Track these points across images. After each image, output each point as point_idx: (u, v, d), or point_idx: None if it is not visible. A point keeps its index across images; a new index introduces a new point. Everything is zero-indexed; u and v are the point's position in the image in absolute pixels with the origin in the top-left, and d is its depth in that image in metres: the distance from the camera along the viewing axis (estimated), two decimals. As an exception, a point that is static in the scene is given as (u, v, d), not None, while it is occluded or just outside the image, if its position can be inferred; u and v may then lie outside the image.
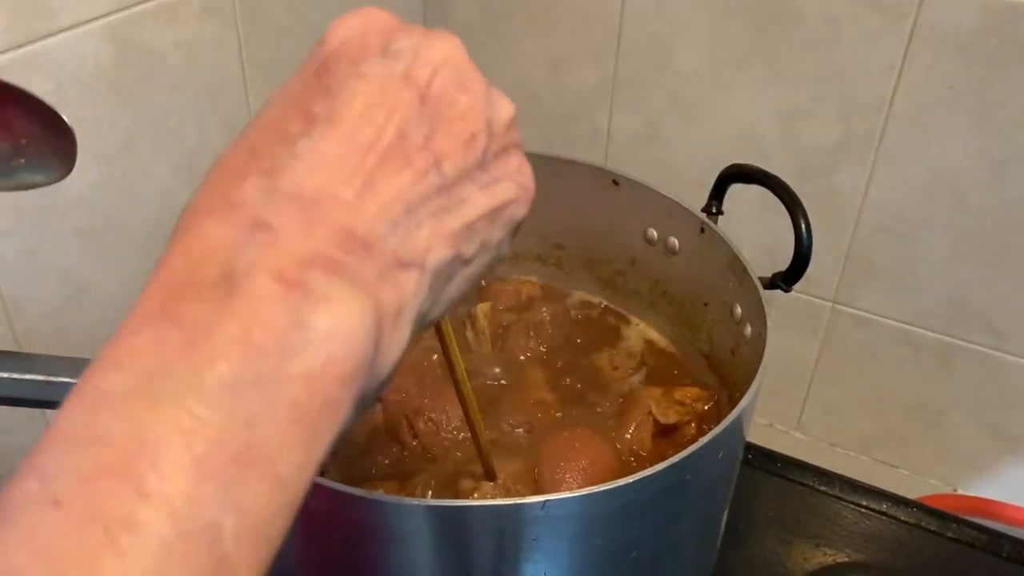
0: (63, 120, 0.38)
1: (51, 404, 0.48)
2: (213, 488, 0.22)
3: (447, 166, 0.29)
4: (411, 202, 0.28)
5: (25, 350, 0.60)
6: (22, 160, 0.38)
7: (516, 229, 0.34)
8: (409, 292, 0.28)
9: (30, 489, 0.22)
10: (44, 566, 0.21)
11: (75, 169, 0.59)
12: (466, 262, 0.31)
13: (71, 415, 0.23)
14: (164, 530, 0.21)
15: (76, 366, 0.48)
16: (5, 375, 0.45)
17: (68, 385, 0.47)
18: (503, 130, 0.32)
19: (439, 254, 0.29)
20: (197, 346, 0.23)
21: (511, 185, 0.32)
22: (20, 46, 0.54)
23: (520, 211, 0.33)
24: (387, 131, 0.28)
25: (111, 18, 0.58)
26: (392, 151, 0.28)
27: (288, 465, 0.24)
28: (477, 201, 0.30)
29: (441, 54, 0.30)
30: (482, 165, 0.31)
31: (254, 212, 0.26)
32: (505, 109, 0.32)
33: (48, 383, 0.46)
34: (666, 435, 0.62)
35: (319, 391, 0.25)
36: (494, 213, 0.31)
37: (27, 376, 0.46)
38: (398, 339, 0.28)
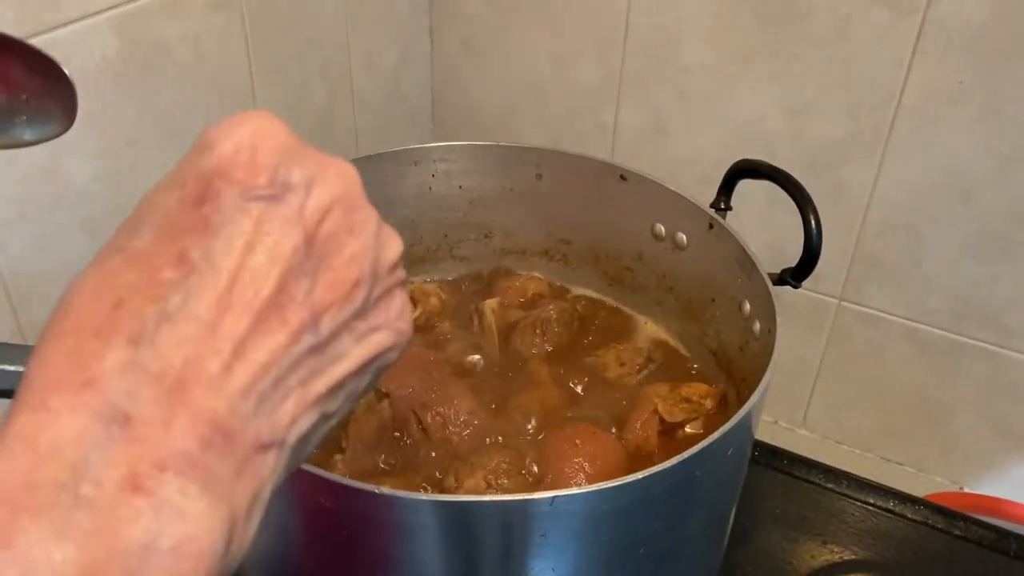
0: (64, 72, 0.38)
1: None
2: None
3: (325, 322, 0.27)
4: (281, 369, 0.26)
5: (30, 343, 0.60)
6: (23, 116, 0.37)
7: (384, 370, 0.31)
8: (267, 475, 0.26)
9: None
10: None
11: (80, 163, 0.59)
12: (328, 417, 0.29)
13: None
14: None
15: (82, 360, 0.48)
16: (11, 368, 0.45)
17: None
18: (387, 272, 0.29)
19: (302, 425, 0.27)
20: None
21: (389, 333, 0.30)
22: (26, 38, 0.53)
23: (393, 356, 0.31)
24: (266, 286, 0.25)
25: (117, 11, 0.58)
26: (268, 309, 0.25)
27: None
28: (351, 356, 0.28)
29: (335, 190, 0.27)
30: (361, 314, 0.29)
31: (112, 398, 0.23)
32: (393, 248, 0.30)
33: (54, 376, 0.46)
34: (672, 433, 0.62)
35: None
36: (367, 365, 0.29)
37: (33, 369, 0.45)
38: (251, 527, 0.26)
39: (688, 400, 0.62)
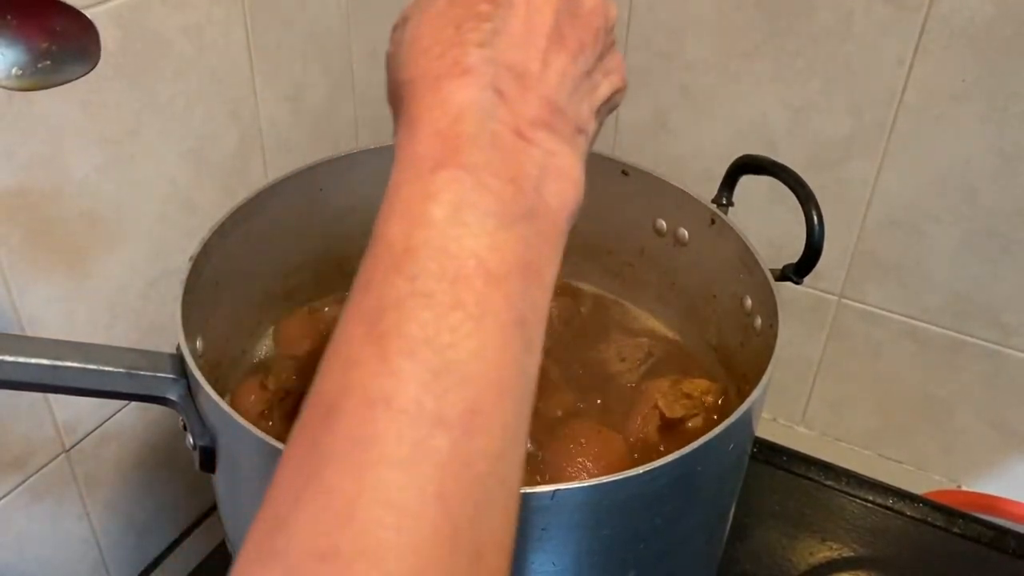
0: (85, 17, 0.41)
1: (57, 389, 0.47)
2: (520, 291, 0.30)
3: (587, 54, 0.35)
4: (574, 79, 0.34)
5: (30, 335, 0.59)
6: (48, 61, 0.41)
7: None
8: (583, 153, 0.35)
9: (401, 287, 0.28)
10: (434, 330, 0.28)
11: (81, 154, 0.59)
12: (596, 131, 0.37)
13: (412, 233, 0.29)
14: (504, 317, 0.29)
15: (82, 350, 0.48)
16: (11, 359, 0.45)
17: (75, 370, 0.47)
18: (612, 27, 0.37)
19: (594, 125, 0.36)
20: (485, 187, 0.30)
21: (617, 76, 0.38)
22: (27, 28, 0.53)
23: (619, 100, 0.39)
24: (548, 18, 0.33)
25: (118, 2, 0.58)
26: (554, 36, 0.34)
27: (550, 275, 0.32)
28: (603, 86, 0.37)
29: None
30: (602, 57, 0.36)
31: (486, 79, 0.31)
32: (613, 11, 0.37)
33: (54, 367, 0.46)
34: (673, 429, 0.61)
35: (559, 224, 0.32)
36: (611, 98, 0.37)
37: (33, 360, 0.45)
38: (583, 187, 0.34)
39: (689, 396, 0.62)
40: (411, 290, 0.28)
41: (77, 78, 0.42)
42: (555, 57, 0.33)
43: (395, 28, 0.37)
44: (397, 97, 0.34)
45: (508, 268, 0.30)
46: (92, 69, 0.42)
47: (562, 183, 0.32)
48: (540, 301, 0.31)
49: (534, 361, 0.31)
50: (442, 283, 0.28)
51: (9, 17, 0.39)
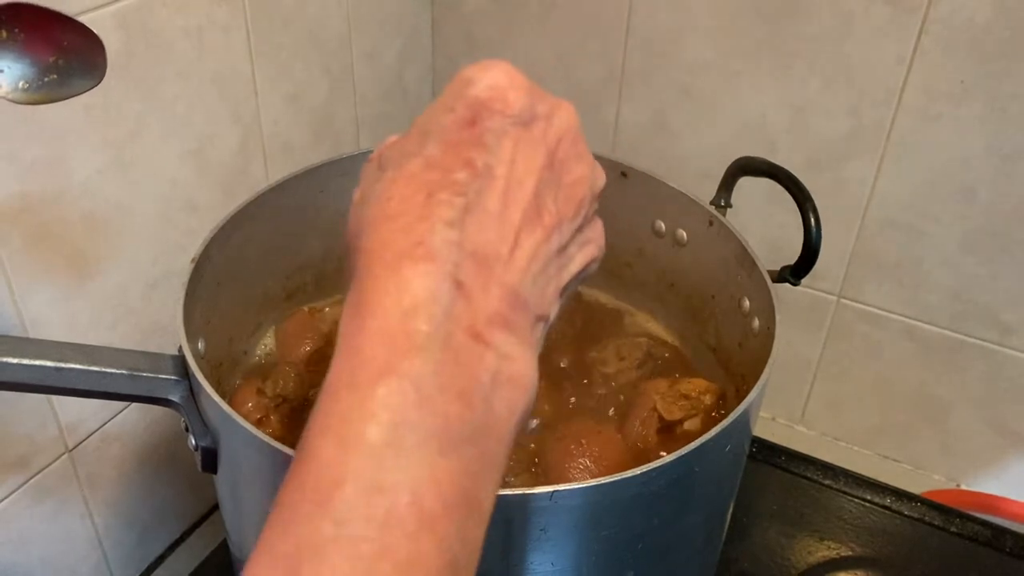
0: (92, 33, 0.42)
1: (59, 390, 0.48)
2: (455, 529, 0.28)
3: (564, 227, 0.33)
4: (544, 259, 0.32)
5: (32, 336, 0.60)
6: (55, 75, 0.41)
7: None
8: (539, 341, 0.33)
9: (325, 531, 0.26)
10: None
11: (82, 156, 0.59)
12: (559, 308, 0.35)
13: (344, 461, 0.27)
14: (434, 565, 0.27)
15: (85, 352, 0.48)
16: (14, 360, 0.45)
17: (77, 371, 0.47)
18: (597, 196, 0.35)
19: (555, 308, 0.34)
20: (429, 405, 0.28)
21: (595, 247, 0.36)
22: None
23: (595, 268, 0.37)
24: (528, 191, 0.32)
25: (120, 4, 0.58)
26: (531, 210, 0.32)
27: (489, 502, 0.30)
28: (577, 260, 0.35)
29: (566, 122, 0.34)
30: (581, 228, 0.35)
31: (446, 268, 0.29)
32: (602, 178, 0.36)
33: (57, 369, 0.46)
34: (671, 430, 0.62)
35: (505, 437, 0.30)
36: (583, 270, 0.35)
37: (36, 362, 0.46)
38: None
39: (687, 397, 0.62)
40: (335, 535, 0.26)
41: (82, 92, 0.42)
42: (528, 236, 0.31)
43: (368, 163, 0.35)
44: (353, 258, 0.31)
45: (445, 503, 0.27)
46: (98, 84, 0.42)
47: (514, 391, 0.30)
48: (476, 534, 0.29)
49: None
50: (370, 527, 0.26)
51: (17, 30, 0.39)
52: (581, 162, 0.34)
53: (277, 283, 0.70)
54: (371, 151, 0.68)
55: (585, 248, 0.35)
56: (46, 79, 0.41)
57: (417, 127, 0.33)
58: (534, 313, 0.32)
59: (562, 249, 0.33)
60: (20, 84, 0.40)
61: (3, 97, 0.40)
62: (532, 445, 0.59)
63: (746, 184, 0.65)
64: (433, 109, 0.33)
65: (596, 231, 0.36)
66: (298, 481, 0.28)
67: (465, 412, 0.28)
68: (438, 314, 0.28)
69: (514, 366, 0.30)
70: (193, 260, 0.56)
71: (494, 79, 0.32)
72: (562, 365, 0.67)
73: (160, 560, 0.78)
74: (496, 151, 0.31)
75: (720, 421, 0.47)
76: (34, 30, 0.40)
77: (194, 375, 0.48)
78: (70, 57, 0.41)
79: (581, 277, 0.36)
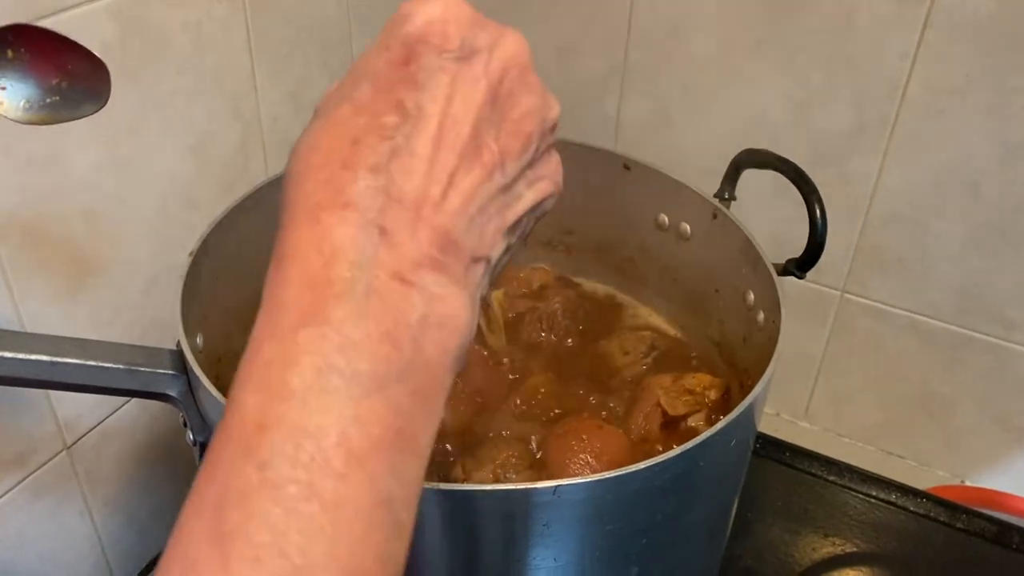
0: (97, 58, 0.42)
1: (56, 385, 0.47)
2: (387, 467, 0.28)
3: (508, 166, 0.32)
4: (482, 200, 0.31)
5: (30, 331, 0.59)
6: (57, 97, 0.42)
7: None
8: (479, 282, 0.32)
9: (250, 476, 0.26)
10: (273, 534, 0.25)
11: (81, 151, 0.59)
12: (508, 249, 0.34)
13: (268, 408, 0.27)
14: (365, 502, 0.27)
15: (81, 346, 0.48)
16: (10, 355, 0.45)
17: (73, 366, 0.46)
18: (550, 130, 0.34)
19: (499, 248, 0.33)
20: (353, 347, 0.27)
21: (549, 182, 0.34)
22: (26, 23, 0.53)
23: (550, 205, 0.36)
24: (465, 129, 0.30)
25: (117, -3, 0.58)
26: (468, 149, 0.30)
27: (426, 438, 0.30)
28: (526, 197, 0.33)
29: (512, 53, 0.32)
30: (531, 163, 0.33)
31: (368, 215, 0.29)
32: (554, 110, 0.34)
33: (53, 363, 0.46)
34: (675, 425, 0.61)
35: (439, 377, 0.30)
36: (535, 207, 0.34)
37: (32, 356, 0.45)
38: (475, 321, 0.32)
39: (691, 392, 0.62)
40: (260, 480, 0.26)
41: (85, 116, 0.43)
42: (464, 176, 0.30)
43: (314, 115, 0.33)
44: (279, 213, 0.31)
45: (374, 441, 0.27)
46: (100, 109, 0.43)
47: (445, 331, 0.29)
48: (413, 471, 0.29)
49: (402, 545, 0.29)
50: (296, 469, 0.26)
51: (23, 51, 0.40)
52: (529, 94, 0.32)
53: (277, 279, 0.69)
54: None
55: (537, 184, 0.34)
56: (48, 100, 0.41)
57: (353, 71, 0.32)
58: (470, 254, 0.31)
59: (506, 188, 0.32)
60: (23, 104, 0.41)
61: (4, 116, 0.41)
62: (534, 439, 0.59)
63: (750, 177, 0.65)
64: (369, 49, 0.32)
65: (550, 167, 0.35)
66: (225, 433, 0.27)
67: (392, 352, 0.28)
68: (360, 260, 0.28)
69: (444, 306, 0.29)
70: (191, 254, 0.56)
71: (431, 12, 0.31)
72: (565, 360, 0.66)
73: (160, 557, 0.77)
74: (430, 89, 0.30)
75: (725, 416, 0.46)
76: (39, 52, 0.40)
77: (192, 370, 0.48)
78: (74, 81, 0.42)
79: (536, 215, 0.35)
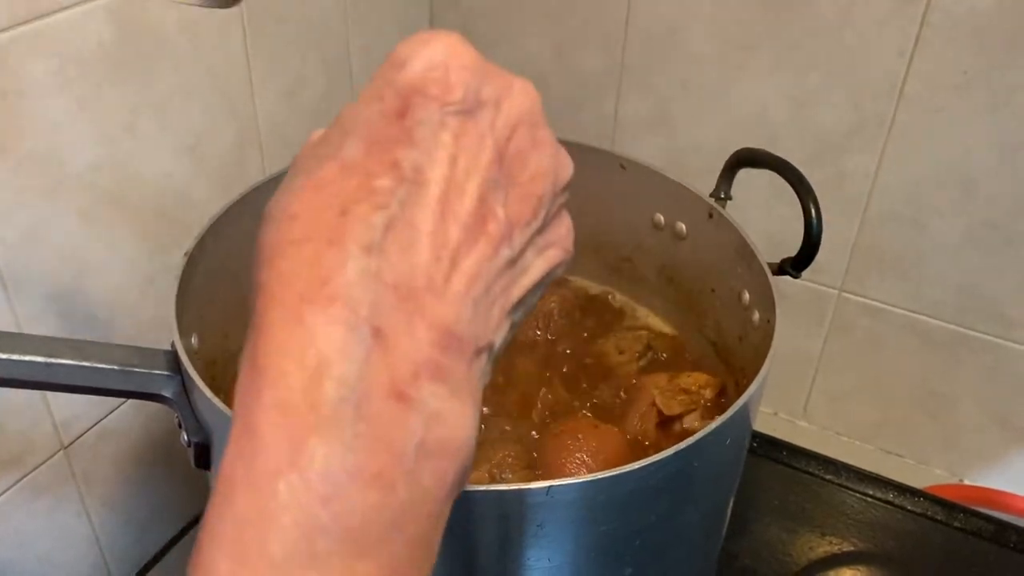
0: None
1: (50, 386, 0.47)
2: None
3: (517, 236, 0.28)
4: (488, 279, 0.27)
5: (27, 332, 0.59)
6: None
7: None
8: (480, 373, 0.28)
9: None
10: None
11: (77, 149, 0.59)
12: (513, 327, 0.30)
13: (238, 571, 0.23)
14: None
15: (75, 347, 0.48)
16: (3, 356, 0.45)
17: (68, 367, 0.46)
18: (561, 190, 0.30)
19: (503, 331, 0.29)
20: (341, 498, 0.23)
21: (559, 250, 0.31)
22: (22, 23, 0.53)
23: (560, 272, 0.32)
24: (470, 197, 0.26)
25: (113, -4, 0.58)
26: (473, 220, 0.26)
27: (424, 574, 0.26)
28: (534, 268, 0.30)
29: (521, 107, 0.29)
30: (541, 230, 0.29)
31: (360, 311, 0.24)
32: (567, 169, 0.30)
33: (47, 365, 0.46)
34: (671, 424, 0.61)
35: (437, 513, 0.26)
36: (544, 278, 0.30)
37: (26, 357, 0.45)
38: (478, 421, 0.28)
39: (687, 391, 0.62)
40: None
41: (217, 7, 0.45)
42: (467, 253, 0.26)
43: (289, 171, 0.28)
44: (253, 296, 0.26)
45: None
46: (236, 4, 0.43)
47: (445, 459, 0.25)
48: None
49: None
50: None
51: None
52: (540, 152, 0.29)
53: (274, 278, 0.69)
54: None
55: (546, 252, 0.30)
56: None
57: (340, 121, 0.27)
58: (474, 347, 0.27)
59: (513, 261, 0.28)
60: None
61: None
62: (534, 435, 0.59)
63: (746, 176, 0.65)
64: (360, 98, 0.28)
65: (561, 231, 0.31)
66: None
67: (386, 499, 0.24)
68: (348, 375, 0.24)
69: (444, 428, 0.25)
70: (186, 254, 0.56)
71: (431, 57, 0.27)
72: (560, 360, 0.66)
73: (158, 557, 0.78)
74: (430, 149, 0.26)
75: (720, 415, 0.46)
76: None
77: (187, 370, 0.48)
78: None
79: (544, 284, 0.31)
